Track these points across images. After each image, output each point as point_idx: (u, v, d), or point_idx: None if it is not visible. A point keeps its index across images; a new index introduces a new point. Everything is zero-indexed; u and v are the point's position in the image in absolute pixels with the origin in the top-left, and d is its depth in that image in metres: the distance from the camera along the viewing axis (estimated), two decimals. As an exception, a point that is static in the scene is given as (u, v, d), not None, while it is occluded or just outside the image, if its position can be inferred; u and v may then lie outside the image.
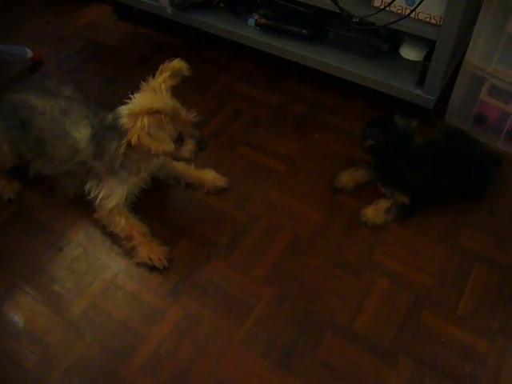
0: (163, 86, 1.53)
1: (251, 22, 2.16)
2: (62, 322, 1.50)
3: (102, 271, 1.61)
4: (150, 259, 1.61)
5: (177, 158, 1.65)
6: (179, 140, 1.54)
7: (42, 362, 1.42)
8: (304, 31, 2.07)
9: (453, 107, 1.99)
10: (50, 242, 1.68)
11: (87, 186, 1.66)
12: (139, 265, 1.62)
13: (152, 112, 1.45)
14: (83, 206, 1.75)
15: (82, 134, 1.63)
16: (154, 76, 1.54)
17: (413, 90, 1.92)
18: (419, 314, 1.51)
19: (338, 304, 1.53)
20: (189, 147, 1.56)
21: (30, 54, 2.24)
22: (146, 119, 1.43)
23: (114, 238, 1.67)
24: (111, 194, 1.64)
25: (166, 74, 1.54)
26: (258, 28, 2.15)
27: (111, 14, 2.53)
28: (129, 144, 1.46)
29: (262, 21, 2.13)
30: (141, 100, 1.51)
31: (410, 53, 1.97)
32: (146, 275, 1.59)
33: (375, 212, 1.70)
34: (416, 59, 1.96)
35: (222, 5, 2.26)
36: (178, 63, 1.56)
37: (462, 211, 1.76)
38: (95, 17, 2.55)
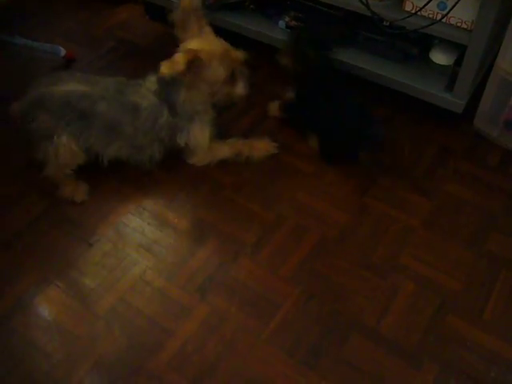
0: (209, 29, 1.69)
1: (282, 23, 2.18)
2: (91, 315, 1.53)
3: (131, 267, 1.63)
4: (267, 151, 1.89)
5: (232, 96, 1.76)
6: (232, 78, 1.69)
7: (70, 355, 1.45)
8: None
9: (482, 112, 1.98)
10: (80, 237, 1.71)
11: (178, 139, 1.78)
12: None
13: (199, 52, 1.59)
14: (113, 202, 1.79)
15: (149, 100, 1.71)
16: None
17: (442, 94, 1.92)
18: (445, 317, 1.51)
19: (364, 305, 1.54)
20: (241, 84, 1.72)
21: (63, 52, 2.28)
22: (195, 57, 1.57)
23: (144, 233, 1.71)
24: (202, 136, 1.79)
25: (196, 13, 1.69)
26: (289, 30, 2.16)
27: (143, 13, 2.56)
28: (189, 87, 1.64)
29: (293, 23, 2.15)
30: (190, 44, 1.64)
31: (440, 57, 1.97)
32: (175, 272, 1.62)
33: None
34: (446, 63, 1.96)
35: (252, 7, 2.28)
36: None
37: (491, 215, 1.75)
38: (127, 16, 2.58)
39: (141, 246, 1.68)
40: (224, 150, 1.86)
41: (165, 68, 1.55)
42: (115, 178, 1.86)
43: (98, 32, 2.51)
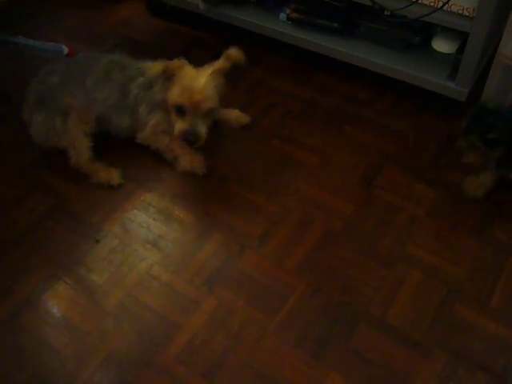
0: (215, 68, 1.73)
1: (283, 16, 2.18)
2: (99, 311, 1.54)
3: (138, 262, 1.64)
4: (192, 167, 1.83)
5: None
6: (180, 113, 1.72)
7: (80, 351, 1.46)
8: (335, 25, 2.08)
9: (486, 99, 1.96)
10: (87, 233, 1.72)
11: (140, 110, 1.84)
12: (181, 173, 1.83)
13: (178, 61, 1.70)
14: (117, 199, 1.80)
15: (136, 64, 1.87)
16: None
17: (445, 82, 1.92)
18: (452, 306, 1.51)
19: (371, 295, 1.54)
20: (179, 125, 1.73)
21: (65, 50, 2.29)
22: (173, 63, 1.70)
23: (150, 228, 1.72)
24: (158, 123, 1.83)
25: (222, 59, 1.74)
26: (290, 22, 2.16)
27: (144, 10, 2.56)
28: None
29: (294, 15, 2.15)
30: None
31: (442, 45, 1.96)
32: (182, 266, 1.62)
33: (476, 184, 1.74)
34: (448, 52, 1.95)
35: (253, 0, 2.28)
36: (236, 52, 1.75)
37: (495, 203, 1.75)
38: (129, 14, 2.59)
39: (147, 241, 1.69)
40: (164, 141, 1.86)
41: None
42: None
43: (100, 29, 2.51)
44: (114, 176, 1.84)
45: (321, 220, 1.72)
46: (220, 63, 1.73)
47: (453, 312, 1.50)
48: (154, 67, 1.72)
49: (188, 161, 1.84)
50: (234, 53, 1.74)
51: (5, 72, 2.28)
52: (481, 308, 1.51)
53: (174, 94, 1.70)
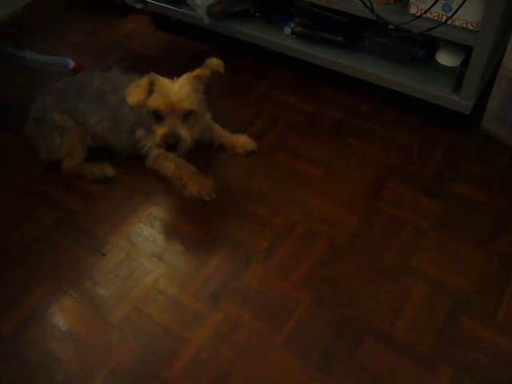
0: (193, 74, 1.73)
1: (287, 30, 2.20)
2: (105, 325, 1.54)
3: (144, 276, 1.65)
4: (199, 193, 1.81)
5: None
6: (159, 119, 1.70)
7: (86, 364, 1.46)
8: (340, 38, 2.10)
9: (490, 113, 1.98)
10: (93, 247, 1.73)
11: (137, 134, 1.85)
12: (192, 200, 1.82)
13: (150, 76, 1.70)
14: (123, 213, 1.81)
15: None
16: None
17: (449, 95, 1.93)
18: (458, 319, 1.51)
19: (376, 309, 1.54)
20: (159, 131, 1.71)
21: (71, 64, 2.30)
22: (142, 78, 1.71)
23: (156, 242, 1.72)
24: (152, 139, 1.79)
25: (202, 67, 1.74)
26: (294, 36, 2.18)
27: (150, 24, 2.59)
28: None
29: (298, 29, 2.17)
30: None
31: (446, 59, 1.97)
32: (187, 280, 1.63)
33: None
34: (453, 65, 1.96)
35: (258, 14, 2.30)
36: (216, 61, 1.75)
37: (501, 216, 1.75)
38: (134, 27, 2.61)
39: (153, 254, 1.70)
40: (169, 168, 1.85)
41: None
42: (121, 188, 1.90)
43: (105, 43, 2.54)
44: (107, 168, 1.90)
45: (326, 233, 1.73)
46: (199, 70, 1.74)
47: (459, 325, 1.50)
48: (131, 99, 1.70)
49: (196, 187, 1.83)
50: (213, 61, 1.75)
51: (11, 85, 2.31)
52: (487, 321, 1.51)
53: (151, 101, 1.70)
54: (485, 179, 1.87)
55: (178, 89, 1.70)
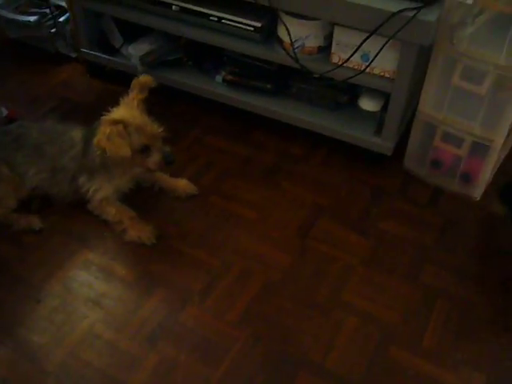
0: (134, 101, 1.79)
1: (219, 78, 2.28)
2: (40, 372, 1.53)
3: (79, 321, 1.64)
4: (139, 237, 1.85)
5: (145, 168, 1.84)
6: (145, 151, 1.77)
7: (21, 414, 1.45)
8: (268, 86, 2.20)
9: (410, 153, 2.11)
10: (28, 294, 1.71)
11: (80, 180, 1.88)
12: (129, 243, 1.85)
13: (115, 122, 1.70)
14: (59, 258, 1.81)
15: (76, 134, 1.89)
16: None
17: (372, 138, 2.05)
18: (387, 349, 1.59)
19: (310, 343, 1.59)
20: (154, 159, 1.79)
21: (4, 112, 2.31)
22: (107, 127, 1.68)
23: (92, 287, 1.73)
24: (100, 188, 1.87)
25: (135, 90, 1.81)
26: (225, 84, 2.27)
27: (84, 72, 2.62)
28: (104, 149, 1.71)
29: (229, 77, 2.25)
30: (115, 111, 1.77)
31: (367, 104, 2.10)
32: (124, 323, 1.64)
33: None
34: (374, 110, 2.09)
35: (190, 63, 2.38)
36: (143, 78, 1.84)
37: (424, 249, 1.86)
38: (68, 75, 2.64)
39: (89, 299, 1.70)
40: (111, 213, 1.88)
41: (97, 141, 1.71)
42: (59, 234, 1.90)
43: (40, 91, 2.55)
44: (33, 220, 1.90)
45: (260, 272, 1.78)
46: (137, 94, 1.80)
47: (387, 355, 1.57)
48: (118, 153, 1.70)
49: (136, 231, 1.86)
50: (142, 79, 1.83)
51: None
52: (414, 349, 1.59)
53: (135, 143, 1.73)
54: (408, 215, 1.98)
55: (145, 118, 1.77)
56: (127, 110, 1.79)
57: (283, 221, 1.95)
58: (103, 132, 1.68)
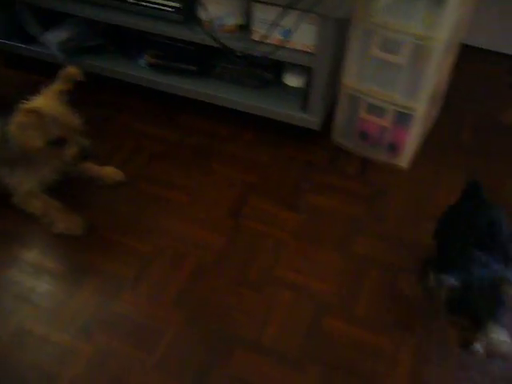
0: (55, 91, 1.74)
1: (142, 62, 2.24)
2: (-29, 374, 1.48)
3: (8, 318, 1.60)
4: (68, 229, 1.81)
5: (62, 160, 1.78)
6: (61, 143, 1.71)
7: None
8: (192, 67, 2.17)
9: (338, 126, 2.14)
10: (-48, 295, 1.66)
11: (1, 172, 1.82)
12: (58, 236, 1.81)
13: (29, 111, 1.64)
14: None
15: None
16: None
17: (298, 114, 2.06)
18: (322, 320, 1.61)
19: (245, 320, 1.60)
20: (69, 152, 1.73)
21: None
22: (21, 116, 1.64)
23: (20, 283, 1.68)
24: (23, 181, 1.82)
25: (59, 81, 1.76)
26: (150, 68, 2.23)
27: (1, 62, 2.53)
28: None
29: (153, 60, 2.22)
30: (33, 101, 1.71)
31: (291, 80, 2.11)
32: (55, 316, 1.60)
33: None
34: (298, 85, 2.10)
35: (112, 48, 2.33)
36: (71, 69, 1.78)
37: (355, 220, 1.89)
38: (-15, 68, 2.55)
39: (18, 296, 1.65)
40: (36, 206, 1.83)
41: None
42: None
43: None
44: None
45: (193, 254, 1.77)
46: (59, 85, 1.76)
47: (322, 326, 1.60)
48: (29, 144, 1.67)
49: (64, 223, 1.82)
50: (70, 71, 1.78)
51: None
52: (348, 318, 1.62)
53: (50, 134, 1.68)
54: (338, 188, 2.00)
55: (64, 109, 1.72)
56: (46, 100, 1.73)
57: (215, 202, 1.94)
58: (16, 121, 1.63)
